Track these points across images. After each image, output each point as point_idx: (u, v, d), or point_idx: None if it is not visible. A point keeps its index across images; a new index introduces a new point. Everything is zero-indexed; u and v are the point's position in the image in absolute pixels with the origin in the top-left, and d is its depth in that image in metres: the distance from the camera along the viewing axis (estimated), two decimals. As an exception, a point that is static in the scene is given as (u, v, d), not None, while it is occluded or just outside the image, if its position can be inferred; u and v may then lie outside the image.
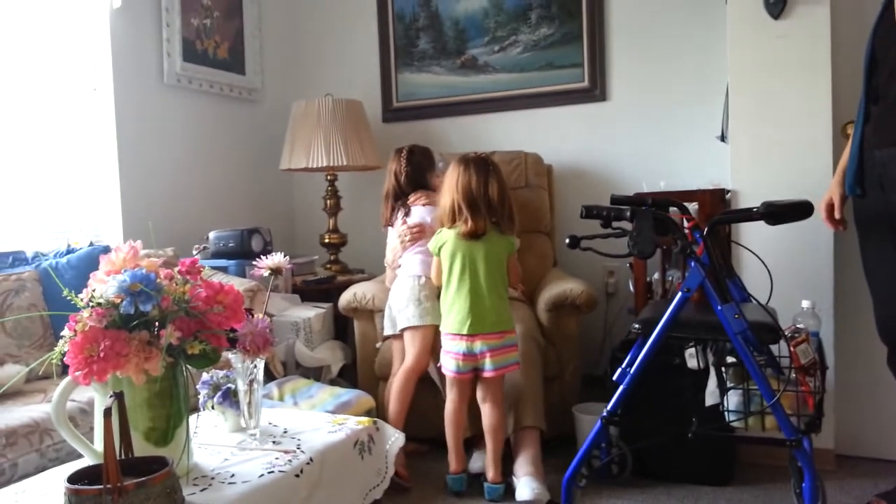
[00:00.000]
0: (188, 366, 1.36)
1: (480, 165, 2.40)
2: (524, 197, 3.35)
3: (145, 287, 1.32)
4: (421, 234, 2.79)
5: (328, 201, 3.73)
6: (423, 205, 2.85)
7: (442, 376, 2.54)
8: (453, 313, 2.42)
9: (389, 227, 2.94)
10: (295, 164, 3.54)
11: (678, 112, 3.41)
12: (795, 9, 2.58)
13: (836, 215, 2.28)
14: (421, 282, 2.67)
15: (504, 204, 2.41)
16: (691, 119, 3.37)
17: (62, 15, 2.98)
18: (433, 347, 2.61)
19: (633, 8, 3.48)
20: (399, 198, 2.89)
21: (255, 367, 1.61)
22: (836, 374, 2.61)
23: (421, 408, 2.77)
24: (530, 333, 2.67)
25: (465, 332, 2.37)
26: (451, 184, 2.41)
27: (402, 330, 2.68)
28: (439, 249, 2.47)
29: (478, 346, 2.37)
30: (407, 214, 2.84)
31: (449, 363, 2.43)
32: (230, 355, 1.58)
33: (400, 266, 2.81)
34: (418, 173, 2.91)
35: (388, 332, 2.75)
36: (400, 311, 2.69)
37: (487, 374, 2.37)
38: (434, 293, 2.63)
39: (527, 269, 2.92)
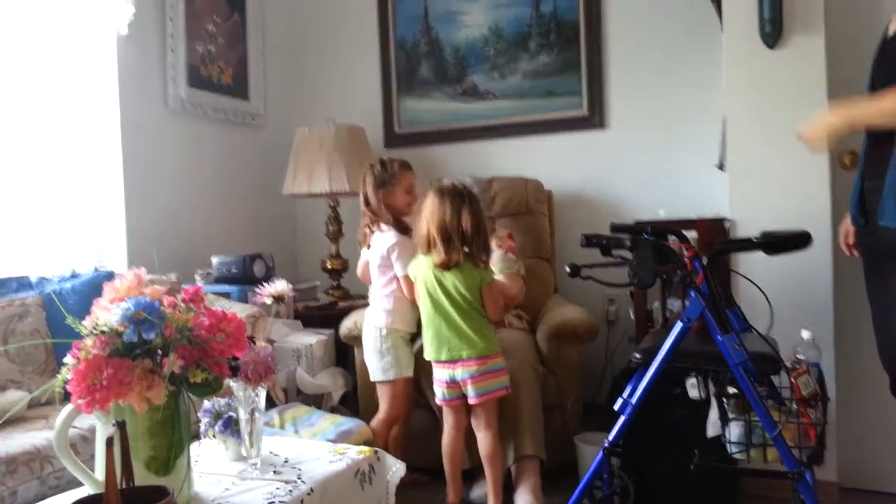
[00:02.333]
0: (190, 394, 1.36)
1: (455, 196, 2.38)
2: (524, 223, 3.36)
3: (149, 315, 1.32)
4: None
5: (330, 227, 3.72)
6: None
7: (439, 407, 2.54)
8: (430, 340, 2.44)
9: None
10: (297, 190, 3.54)
11: (676, 140, 3.41)
12: (791, 38, 2.60)
13: (850, 241, 2.27)
14: (383, 333, 2.58)
15: (479, 235, 2.38)
16: (690, 147, 3.37)
17: (69, 41, 3.00)
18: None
19: (630, 37, 3.50)
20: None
21: (257, 395, 1.61)
22: (837, 405, 2.59)
23: (420, 437, 2.75)
24: (528, 361, 2.65)
25: (443, 358, 2.38)
26: (426, 214, 2.41)
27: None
28: (415, 276, 2.49)
29: (459, 373, 2.38)
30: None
31: (437, 391, 2.44)
32: (232, 383, 1.58)
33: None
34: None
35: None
36: (367, 361, 2.65)
37: (472, 400, 2.37)
38: (399, 341, 2.58)
39: (527, 296, 2.89)
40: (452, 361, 2.37)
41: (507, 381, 2.41)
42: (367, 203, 2.58)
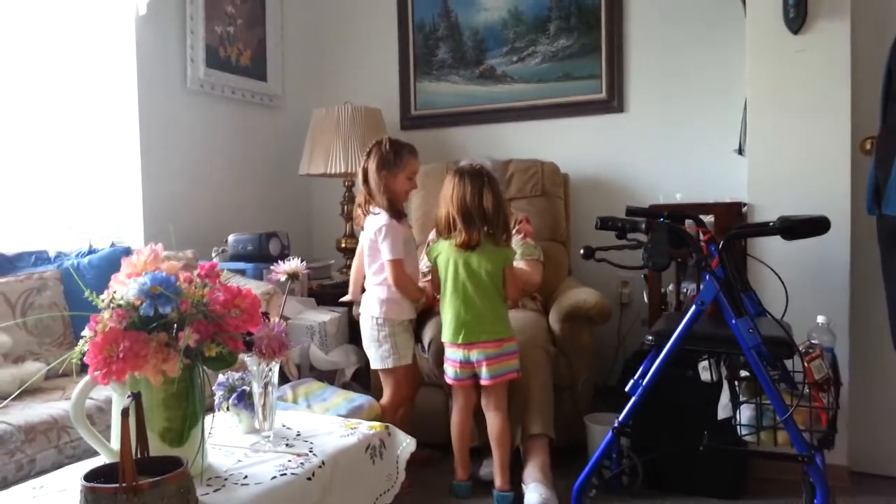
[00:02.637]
0: (205, 368, 1.36)
1: (475, 177, 2.38)
2: (540, 205, 3.36)
3: (165, 290, 1.33)
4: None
5: (345, 207, 3.70)
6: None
7: (449, 385, 2.55)
8: (448, 322, 2.43)
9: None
10: (314, 170, 3.54)
11: (696, 125, 3.39)
12: (815, 24, 2.57)
13: None
14: (379, 322, 2.51)
15: (499, 215, 2.39)
16: (709, 132, 3.35)
17: (88, 21, 3.02)
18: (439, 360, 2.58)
19: (651, 20, 3.48)
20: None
21: (271, 370, 1.62)
22: (850, 391, 2.58)
23: (430, 415, 2.77)
24: (538, 342, 2.64)
25: (459, 341, 2.38)
26: (446, 195, 2.41)
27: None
28: (435, 259, 2.47)
29: (474, 354, 2.38)
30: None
31: (448, 370, 2.44)
32: (246, 358, 1.59)
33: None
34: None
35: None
36: (366, 349, 2.62)
37: (485, 382, 2.38)
38: (396, 329, 2.51)
39: (544, 277, 2.91)
40: (470, 343, 2.37)
41: (518, 364, 2.42)
42: (365, 180, 2.50)
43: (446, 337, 2.42)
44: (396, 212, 2.49)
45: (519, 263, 2.60)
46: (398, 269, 2.45)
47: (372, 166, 2.48)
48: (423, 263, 2.94)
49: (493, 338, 2.37)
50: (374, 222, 2.48)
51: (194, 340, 1.31)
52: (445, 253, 2.42)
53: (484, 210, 2.34)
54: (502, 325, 2.41)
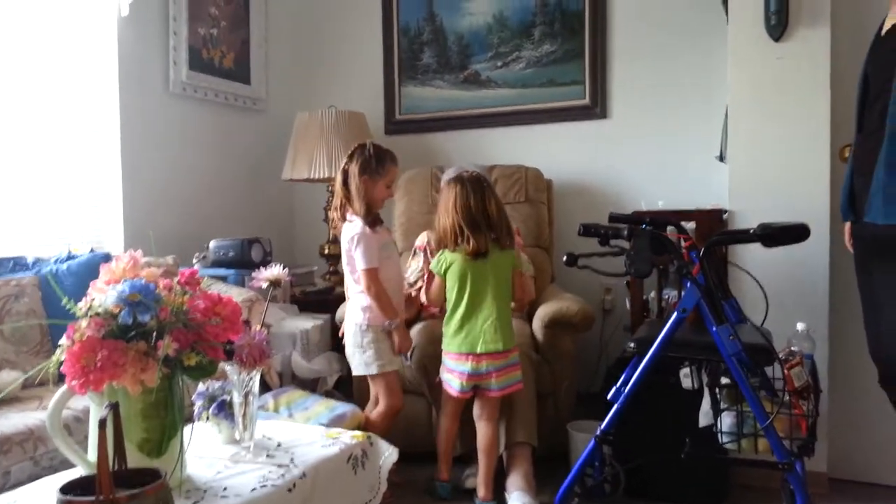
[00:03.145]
0: (184, 377, 1.36)
1: (476, 184, 2.38)
2: (524, 212, 3.33)
3: (144, 298, 1.32)
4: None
5: (327, 211, 3.56)
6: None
7: (436, 391, 2.54)
8: (460, 333, 2.41)
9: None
10: (297, 175, 3.50)
11: (678, 131, 3.39)
12: (796, 31, 2.58)
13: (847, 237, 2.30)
14: (363, 328, 2.48)
15: (502, 219, 2.41)
16: (691, 138, 3.35)
17: (70, 22, 2.98)
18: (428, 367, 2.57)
19: (635, 27, 3.47)
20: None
21: (251, 379, 1.61)
22: (829, 398, 2.59)
23: (411, 423, 2.75)
24: (523, 349, 2.63)
25: (478, 350, 2.36)
26: (448, 205, 2.39)
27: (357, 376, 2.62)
28: (445, 271, 2.44)
29: (484, 365, 2.36)
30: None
31: (452, 382, 2.41)
32: (226, 367, 1.58)
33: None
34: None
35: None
36: (349, 356, 2.57)
37: (493, 393, 2.37)
38: (381, 335, 2.48)
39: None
40: (485, 354, 2.36)
41: (521, 375, 2.43)
42: (345, 182, 2.45)
43: (455, 347, 2.40)
44: (372, 218, 2.46)
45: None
46: (373, 279, 2.41)
47: (354, 169, 2.44)
48: (410, 271, 2.90)
49: (504, 348, 2.37)
50: (348, 230, 2.45)
51: (174, 349, 1.30)
52: (457, 264, 2.40)
53: (489, 215, 2.35)
54: (511, 335, 2.41)
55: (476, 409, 2.43)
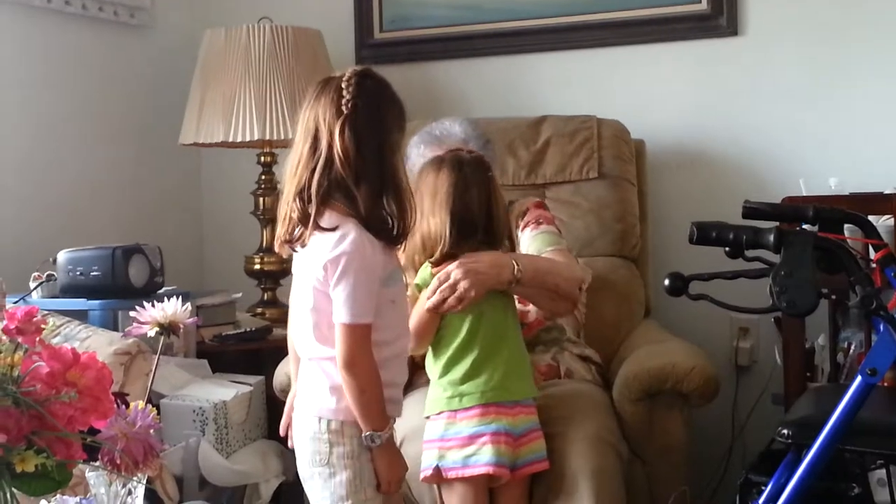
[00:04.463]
0: (16, 491, 1.12)
1: (478, 170, 2.16)
2: (596, 196, 2.75)
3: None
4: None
5: (262, 199, 2.98)
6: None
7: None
8: (484, 377, 2.06)
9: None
10: (206, 137, 2.88)
11: (861, 64, 2.73)
12: None
13: None
14: (331, 428, 1.81)
15: (505, 226, 2.20)
16: (885, 79, 2.70)
17: None
18: None
19: None
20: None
21: (130, 493, 1.35)
22: None
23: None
24: (604, 436, 2.10)
25: (507, 398, 2.06)
26: (436, 198, 2.12)
27: None
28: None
29: (521, 421, 2.05)
30: None
31: (482, 455, 1.99)
32: (88, 473, 1.34)
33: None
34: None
35: None
36: (305, 477, 1.90)
37: (536, 467, 2.03)
38: (358, 445, 1.84)
39: (601, 320, 2.53)
40: (523, 406, 2.08)
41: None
42: (345, 153, 1.74)
43: (475, 399, 2.04)
44: (380, 225, 1.76)
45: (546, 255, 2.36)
46: (359, 344, 1.71)
47: (383, 123, 1.77)
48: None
49: (525, 398, 2.10)
50: (328, 242, 1.72)
51: None
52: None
53: (492, 218, 2.11)
54: (531, 380, 2.20)
55: None
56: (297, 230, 1.71)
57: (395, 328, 1.80)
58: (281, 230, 1.74)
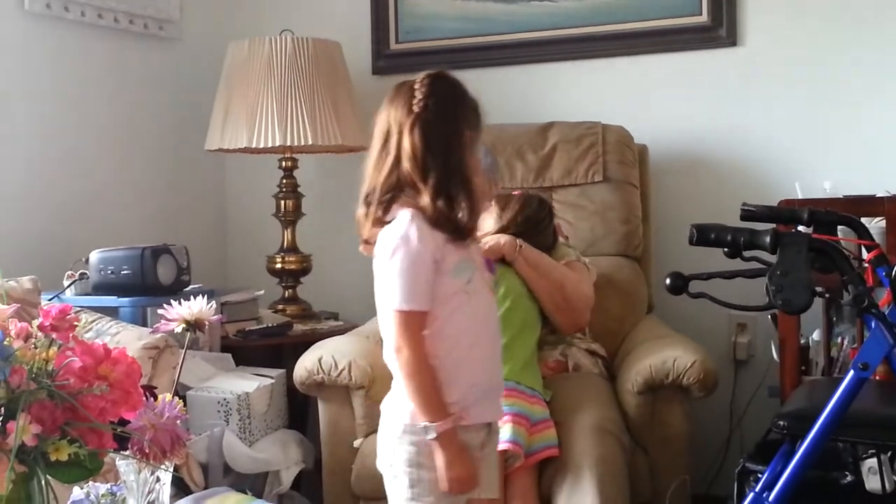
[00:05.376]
0: (50, 478, 1.16)
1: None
2: (600, 198, 2.86)
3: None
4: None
5: (283, 202, 3.08)
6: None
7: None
8: (505, 359, 2.05)
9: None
10: (230, 143, 2.97)
11: (854, 69, 2.83)
12: None
13: None
14: (406, 428, 1.75)
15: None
16: (876, 81, 2.80)
17: None
18: None
19: None
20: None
21: (158, 480, 1.41)
22: None
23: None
24: (609, 427, 2.19)
25: (531, 385, 2.17)
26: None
27: None
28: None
29: (538, 410, 2.14)
30: None
31: (505, 433, 2.03)
32: (119, 461, 1.38)
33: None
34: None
35: None
36: (388, 481, 1.86)
37: (549, 452, 2.10)
38: (426, 451, 1.81)
39: (606, 315, 2.60)
40: (538, 397, 2.17)
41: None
42: (413, 152, 1.70)
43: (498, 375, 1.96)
44: (449, 216, 1.65)
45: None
46: (404, 328, 1.64)
47: (455, 120, 1.72)
48: None
49: (536, 391, 2.18)
50: (382, 231, 1.70)
51: (33, 435, 1.12)
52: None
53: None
54: (541, 379, 2.29)
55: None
56: (371, 230, 1.68)
57: (474, 328, 1.70)
58: (360, 231, 1.73)
